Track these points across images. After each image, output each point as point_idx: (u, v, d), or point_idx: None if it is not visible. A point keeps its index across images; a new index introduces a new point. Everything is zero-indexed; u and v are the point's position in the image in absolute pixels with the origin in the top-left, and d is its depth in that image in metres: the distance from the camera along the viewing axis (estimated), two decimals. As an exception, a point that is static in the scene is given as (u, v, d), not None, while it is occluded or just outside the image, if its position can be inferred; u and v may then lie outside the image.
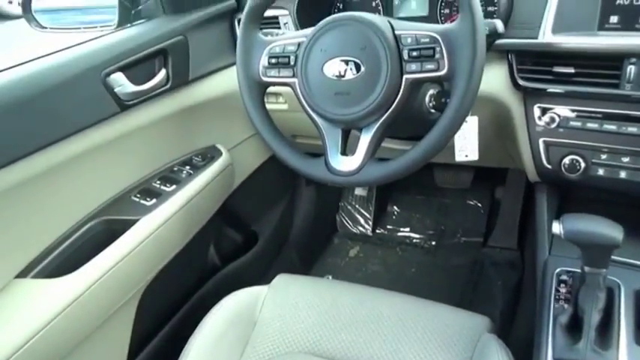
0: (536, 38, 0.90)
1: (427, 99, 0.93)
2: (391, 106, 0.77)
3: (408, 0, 1.11)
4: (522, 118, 0.97)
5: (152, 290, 1.09)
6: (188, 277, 1.31)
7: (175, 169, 1.16)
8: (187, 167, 1.17)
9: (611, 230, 0.71)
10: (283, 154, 0.87)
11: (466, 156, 0.94)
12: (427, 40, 0.74)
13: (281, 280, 1.02)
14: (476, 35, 0.71)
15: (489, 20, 0.84)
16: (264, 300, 0.98)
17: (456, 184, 1.81)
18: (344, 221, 1.96)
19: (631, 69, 0.83)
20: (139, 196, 1.07)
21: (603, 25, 0.87)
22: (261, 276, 1.52)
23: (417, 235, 1.86)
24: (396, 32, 0.76)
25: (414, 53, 0.74)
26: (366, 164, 0.79)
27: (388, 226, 1.92)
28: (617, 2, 0.86)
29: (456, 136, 0.93)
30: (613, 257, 0.87)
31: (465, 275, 1.64)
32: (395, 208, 1.97)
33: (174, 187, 1.10)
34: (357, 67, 0.77)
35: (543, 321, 0.80)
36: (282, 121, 1.30)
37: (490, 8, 1.00)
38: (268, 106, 1.31)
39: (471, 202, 1.86)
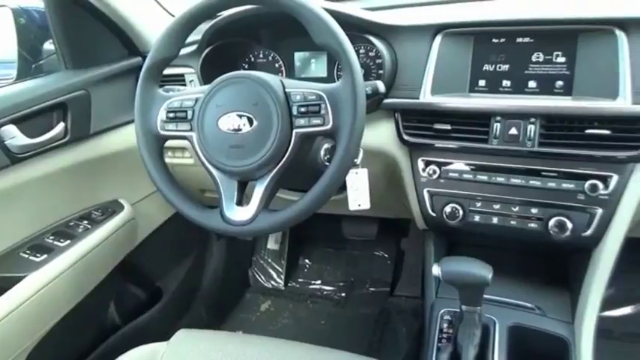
0: (417, 99, 1.00)
1: (322, 153, 0.99)
2: (282, 158, 0.81)
3: (308, 63, 1.19)
4: (409, 170, 1.06)
5: (41, 351, 1.03)
6: (83, 336, 1.24)
7: (72, 223, 1.13)
8: (85, 222, 1.14)
9: (481, 270, 0.79)
10: (179, 204, 0.88)
11: (359, 205, 1.00)
12: (314, 97, 0.80)
13: (181, 336, 0.99)
14: (356, 94, 0.78)
15: (371, 81, 0.92)
16: (162, 357, 0.94)
17: (362, 235, 1.88)
18: (256, 276, 1.96)
19: (497, 126, 0.95)
20: (28, 252, 1.02)
21: (473, 88, 0.99)
22: (165, 334, 1.46)
23: (327, 288, 1.89)
24: (287, 90, 0.82)
25: (302, 109, 0.80)
26: (259, 214, 0.82)
27: (300, 280, 1.94)
28: (484, 68, 0.99)
29: (349, 188, 0.99)
30: (490, 297, 0.96)
31: (373, 325, 1.68)
32: (307, 261, 1.99)
33: (68, 242, 1.07)
34: (250, 122, 0.81)
35: (427, 359, 0.85)
36: (190, 176, 1.32)
37: (380, 71, 1.10)
38: (175, 161, 1.33)
39: (378, 253, 1.92)
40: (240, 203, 0.85)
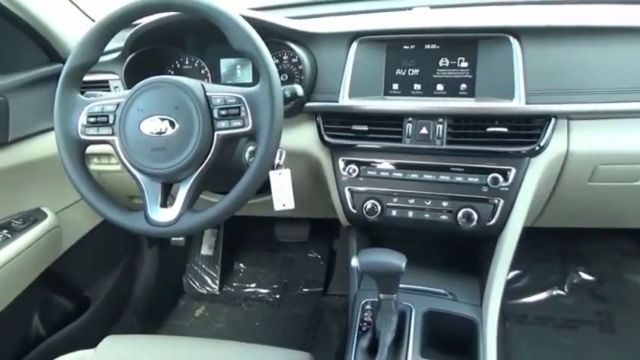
0: (337, 102, 1.06)
1: (247, 155, 1.02)
2: (205, 160, 0.84)
3: (234, 69, 1.22)
4: (331, 170, 1.11)
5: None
6: (5, 348, 1.19)
7: (-11, 233, 1.10)
8: (4, 231, 1.11)
9: (395, 259, 0.84)
10: (102, 208, 0.88)
11: (284, 205, 1.03)
12: (234, 100, 0.83)
13: (109, 342, 0.99)
14: (273, 96, 0.82)
15: (290, 85, 0.96)
16: None
17: (295, 237, 1.92)
18: (190, 282, 1.95)
19: (409, 126, 1.02)
20: None
21: (388, 91, 1.06)
22: (94, 343, 1.43)
23: (262, 290, 1.91)
24: (207, 94, 0.85)
25: (223, 112, 0.83)
26: (183, 215, 0.84)
27: (235, 284, 1.95)
28: (397, 73, 1.06)
29: (273, 188, 1.02)
30: (407, 286, 1.02)
31: (306, 324, 1.72)
32: (241, 265, 2.01)
33: (-16, 251, 1.03)
34: (172, 125, 0.83)
35: (348, 346, 0.90)
36: (117, 182, 1.31)
37: (302, 77, 1.14)
38: (101, 167, 1.32)
39: (312, 255, 1.97)
40: (164, 205, 0.87)
